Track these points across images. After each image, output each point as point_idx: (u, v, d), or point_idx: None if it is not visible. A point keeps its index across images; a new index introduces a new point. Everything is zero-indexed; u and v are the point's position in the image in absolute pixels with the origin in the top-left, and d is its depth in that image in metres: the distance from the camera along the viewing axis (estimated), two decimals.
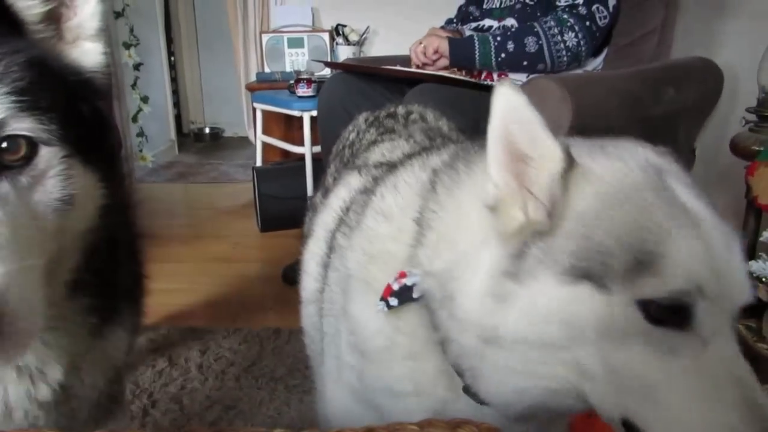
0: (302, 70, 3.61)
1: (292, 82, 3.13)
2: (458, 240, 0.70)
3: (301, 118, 3.00)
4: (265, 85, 3.61)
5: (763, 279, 1.54)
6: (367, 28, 3.87)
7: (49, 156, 0.68)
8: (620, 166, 0.62)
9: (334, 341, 0.88)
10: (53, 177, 0.69)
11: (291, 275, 2.57)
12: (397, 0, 3.92)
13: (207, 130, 6.18)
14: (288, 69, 3.80)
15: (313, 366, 1.06)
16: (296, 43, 3.81)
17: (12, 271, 0.60)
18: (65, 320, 0.88)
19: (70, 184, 0.70)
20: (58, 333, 0.87)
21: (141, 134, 4.55)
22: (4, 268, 0.60)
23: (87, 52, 0.76)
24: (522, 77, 2.08)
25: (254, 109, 3.39)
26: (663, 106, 2.00)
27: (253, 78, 3.87)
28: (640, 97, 1.95)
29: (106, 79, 0.79)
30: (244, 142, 4.92)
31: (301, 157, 3.08)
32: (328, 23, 3.91)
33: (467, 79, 2.11)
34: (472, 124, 1.68)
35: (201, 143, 6.08)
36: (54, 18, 0.75)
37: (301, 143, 3.04)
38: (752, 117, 1.88)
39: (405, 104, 1.48)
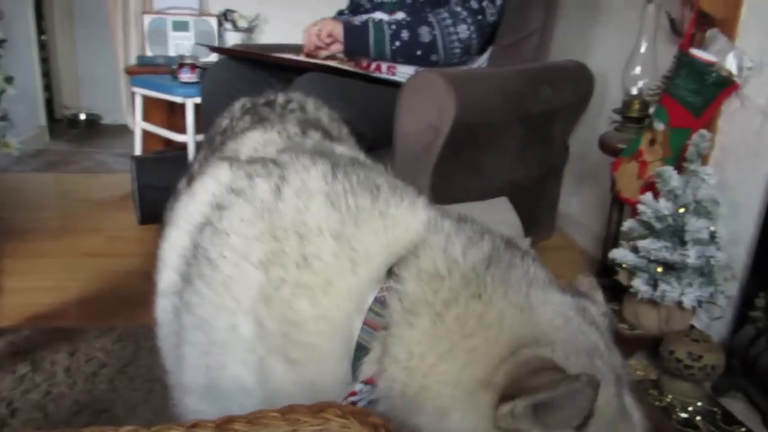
0: (187, 55, 3.46)
1: (175, 67, 2.98)
2: (453, 418, 0.67)
3: (183, 105, 2.87)
4: (146, 69, 3.42)
5: (624, 265, 1.65)
6: (257, 15, 3.77)
7: None
8: (609, 400, 0.66)
9: (205, 362, 0.81)
10: None
11: None
12: None
13: (82, 117, 5.74)
14: (172, 53, 3.61)
15: (165, 364, 0.99)
16: (181, 26, 3.64)
17: None
18: None
19: None
20: None
21: (4, 118, 4.14)
22: None
23: None
24: (411, 70, 2.10)
25: (133, 95, 3.19)
26: (542, 105, 2.10)
27: (133, 61, 3.65)
28: (523, 95, 2.03)
29: None
30: (124, 130, 4.63)
31: (184, 146, 2.95)
32: (216, 8, 3.76)
33: (355, 69, 2.10)
34: (359, 114, 1.68)
35: (75, 130, 5.66)
36: None
37: (183, 131, 2.91)
38: (618, 117, 2.01)
39: (288, 92, 1.44)
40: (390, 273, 0.74)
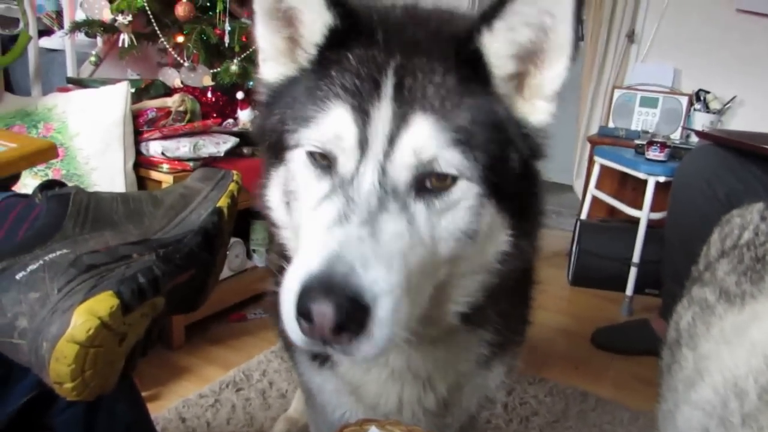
0: (650, 131, 3.49)
1: (641, 142, 3.03)
2: None
3: (640, 181, 2.89)
4: (606, 140, 3.57)
5: None
6: (734, 97, 3.56)
7: (465, 189, 0.73)
8: None
9: None
10: (463, 209, 0.74)
11: (602, 340, 2.49)
12: None
13: None
14: (634, 127, 3.69)
15: None
16: (649, 102, 3.68)
17: (395, 282, 0.65)
18: (459, 345, 0.98)
19: (476, 221, 0.75)
20: (449, 353, 0.98)
21: None
22: (390, 276, 0.65)
23: (537, 110, 0.78)
24: None
25: (590, 162, 3.36)
26: None
27: (593, 130, 3.85)
28: None
29: (543, 138, 0.81)
30: (558, 188, 4.87)
31: (630, 219, 2.97)
32: (689, 87, 3.69)
33: None
34: None
35: None
36: (517, 75, 0.78)
37: (633, 205, 2.93)
38: None
39: None
40: None
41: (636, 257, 2.81)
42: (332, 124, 0.72)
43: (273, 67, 0.82)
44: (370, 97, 0.71)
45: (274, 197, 0.84)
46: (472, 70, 0.75)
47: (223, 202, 0.94)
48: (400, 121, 0.70)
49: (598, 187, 3.29)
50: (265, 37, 0.81)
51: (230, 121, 2.32)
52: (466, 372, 1.04)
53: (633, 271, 2.82)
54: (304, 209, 0.75)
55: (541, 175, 0.85)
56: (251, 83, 2.46)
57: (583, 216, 3.29)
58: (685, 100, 3.63)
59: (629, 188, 3.41)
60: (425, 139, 0.70)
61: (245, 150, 2.34)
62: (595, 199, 3.30)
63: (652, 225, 2.81)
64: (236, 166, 2.14)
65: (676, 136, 3.56)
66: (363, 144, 0.71)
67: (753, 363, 0.83)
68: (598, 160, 3.21)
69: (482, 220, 0.75)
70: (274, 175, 0.82)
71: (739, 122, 3.60)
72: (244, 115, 2.33)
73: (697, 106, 3.62)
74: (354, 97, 0.71)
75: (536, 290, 1.11)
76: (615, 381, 2.25)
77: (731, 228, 1.34)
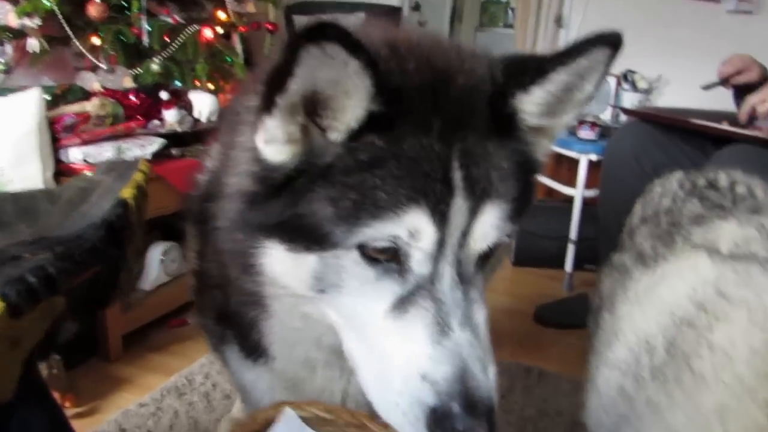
0: (585, 112, 3.57)
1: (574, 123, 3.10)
2: None
3: (574, 160, 2.96)
4: None
5: None
6: (659, 76, 3.67)
7: (505, 244, 0.77)
8: None
9: None
10: (499, 257, 0.80)
11: (544, 316, 2.54)
12: (693, 50, 3.66)
13: None
14: None
15: (590, 423, 1.02)
16: None
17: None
18: None
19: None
20: None
21: None
22: (493, 361, 0.71)
23: (543, 146, 0.84)
24: None
25: None
26: None
27: None
28: None
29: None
30: None
31: (566, 198, 3.04)
32: (617, 68, 3.79)
33: None
34: None
35: None
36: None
37: (569, 184, 3.00)
38: None
39: (720, 169, 1.34)
40: None
41: (573, 234, 2.87)
42: (408, 226, 0.69)
43: (278, 148, 0.72)
44: (443, 195, 0.69)
45: (287, 276, 0.77)
46: (508, 129, 0.77)
47: (127, 192, 0.90)
48: (472, 213, 0.71)
49: None
50: (281, 126, 0.70)
51: (156, 122, 2.25)
52: None
53: (571, 248, 2.89)
54: (362, 304, 0.73)
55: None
56: (177, 82, 2.39)
57: None
58: (613, 81, 3.72)
59: (564, 168, 3.47)
60: (495, 224, 0.73)
61: (174, 151, 2.28)
62: None
63: (588, 203, 2.88)
64: (166, 168, 2.08)
65: (606, 115, 3.64)
66: (440, 242, 0.70)
67: (661, 320, 0.86)
68: None
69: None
70: (292, 259, 0.75)
71: (665, 100, 3.71)
72: (170, 116, 2.26)
73: (625, 86, 3.71)
74: (428, 196, 0.68)
75: None
76: (559, 355, 2.29)
77: (652, 197, 1.37)
